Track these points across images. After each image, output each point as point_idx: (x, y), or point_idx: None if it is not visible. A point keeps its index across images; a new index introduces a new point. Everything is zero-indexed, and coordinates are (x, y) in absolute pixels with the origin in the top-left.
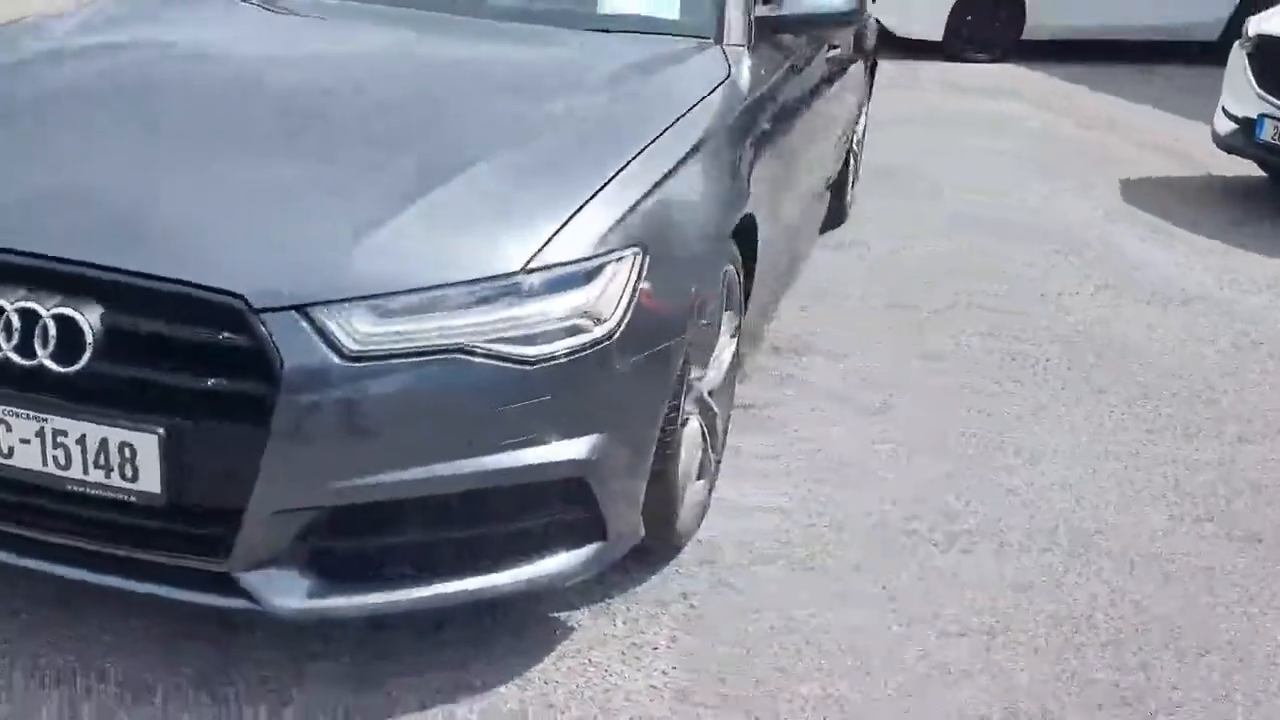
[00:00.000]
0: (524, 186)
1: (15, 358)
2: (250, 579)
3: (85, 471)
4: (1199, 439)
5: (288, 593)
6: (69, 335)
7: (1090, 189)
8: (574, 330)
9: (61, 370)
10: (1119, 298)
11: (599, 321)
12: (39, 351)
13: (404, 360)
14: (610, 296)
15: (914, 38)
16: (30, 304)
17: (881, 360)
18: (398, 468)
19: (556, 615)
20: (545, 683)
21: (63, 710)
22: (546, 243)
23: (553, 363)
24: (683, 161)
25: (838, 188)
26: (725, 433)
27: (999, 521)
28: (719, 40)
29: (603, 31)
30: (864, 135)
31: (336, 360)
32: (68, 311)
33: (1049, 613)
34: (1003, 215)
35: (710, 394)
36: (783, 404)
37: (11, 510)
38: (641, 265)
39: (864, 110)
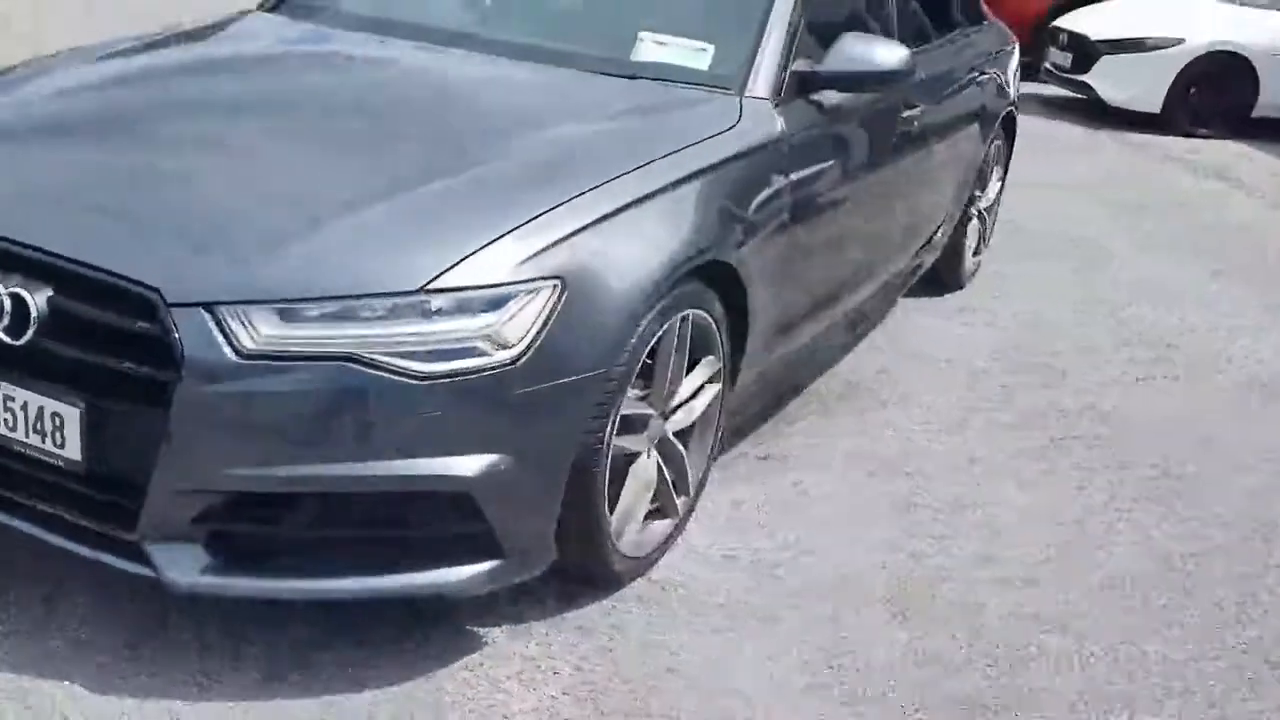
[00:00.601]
0: (458, 210)
1: None
2: (154, 549)
3: (26, 435)
4: None
5: (184, 568)
6: (20, 311)
7: None
8: (473, 352)
9: (11, 342)
10: None
11: (503, 347)
12: None
13: (298, 363)
14: (519, 324)
15: (1129, 109)
16: None
17: (933, 422)
18: (287, 463)
19: (476, 628)
20: (436, 688)
21: None
22: (452, 266)
23: (445, 381)
24: (638, 202)
25: (952, 252)
26: (700, 477)
27: None
28: (739, 92)
29: (629, 78)
30: (997, 199)
31: (233, 357)
32: (20, 291)
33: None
34: (1170, 337)
35: (676, 435)
36: (799, 456)
37: None
38: (558, 298)
39: (988, 170)
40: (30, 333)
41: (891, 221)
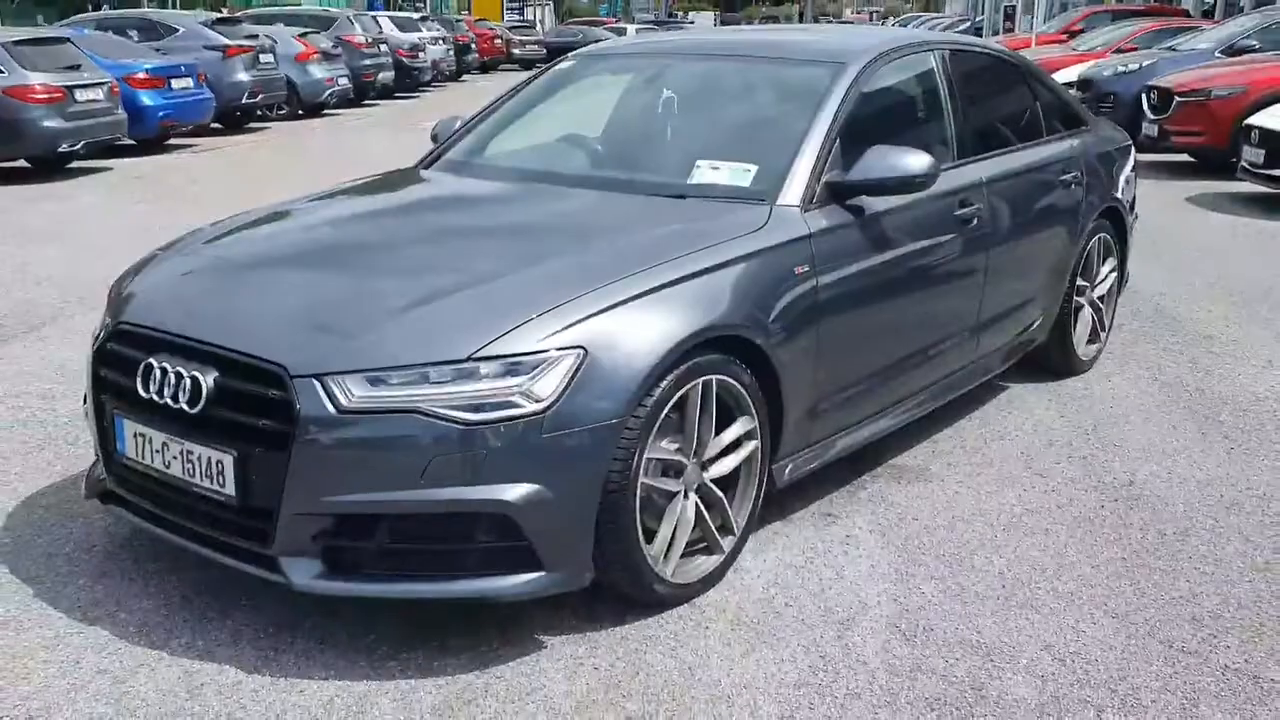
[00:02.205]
0: (507, 299)
1: (170, 403)
2: (284, 562)
3: (201, 479)
4: None
5: (304, 574)
6: (196, 388)
7: None
8: (510, 405)
9: (191, 411)
10: None
11: (534, 400)
12: (180, 398)
13: (379, 416)
14: (548, 382)
15: None
16: (178, 367)
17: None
18: (372, 491)
19: (540, 635)
20: (497, 676)
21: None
22: (494, 340)
23: (488, 427)
24: (658, 289)
25: (1059, 341)
26: (746, 521)
27: None
28: (772, 201)
29: (680, 197)
30: (1114, 290)
31: (334, 412)
32: (197, 374)
33: None
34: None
35: (719, 483)
36: (855, 516)
37: (166, 503)
38: (581, 362)
39: (1093, 262)
40: (202, 404)
41: (948, 312)
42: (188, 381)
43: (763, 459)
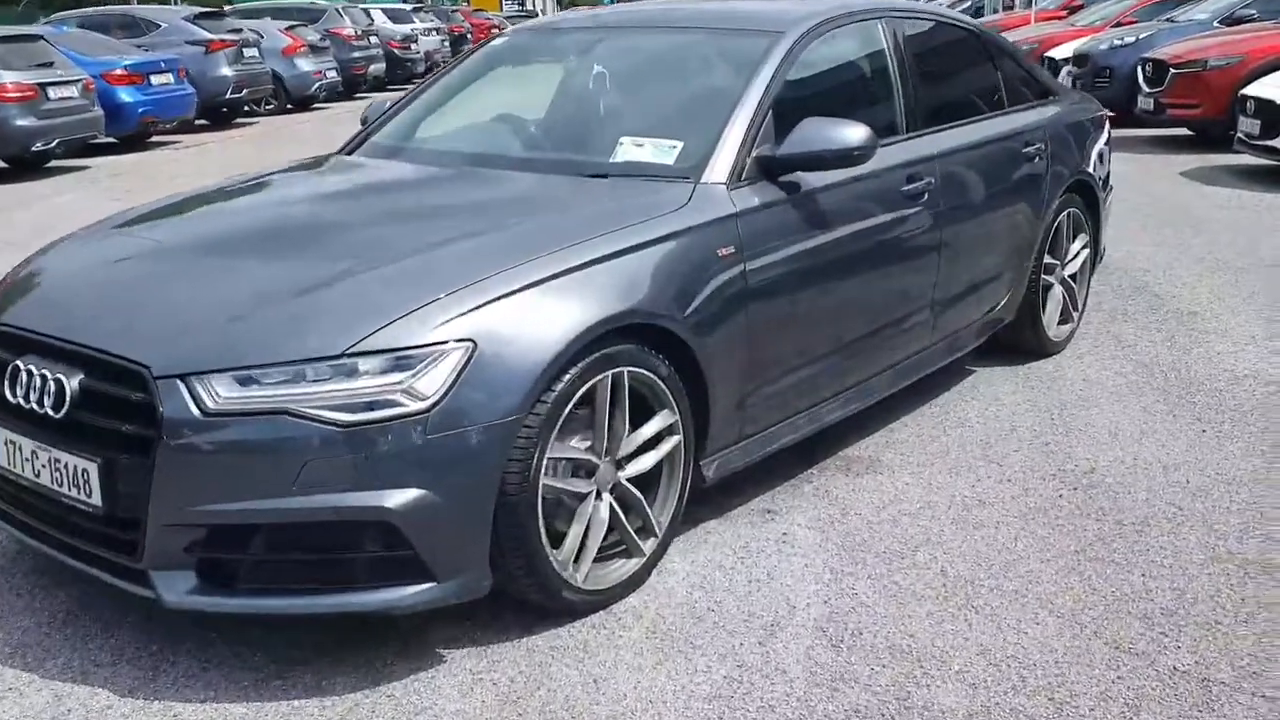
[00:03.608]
0: (390, 288)
1: (35, 408)
2: (155, 576)
3: (68, 488)
4: None
5: (176, 590)
6: (60, 391)
7: None
8: (389, 404)
9: (55, 416)
10: None
11: (418, 398)
12: (45, 403)
13: (246, 418)
14: (432, 379)
15: None
16: (44, 370)
17: (926, 486)
18: (242, 499)
19: (441, 649)
20: (387, 694)
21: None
22: (371, 334)
23: (366, 428)
24: (561, 275)
25: (1028, 321)
26: (670, 520)
27: None
28: (695, 179)
29: (601, 178)
30: (1086, 267)
31: (199, 415)
32: (61, 377)
33: None
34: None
35: (636, 482)
36: (799, 511)
37: (33, 511)
38: (470, 356)
39: (1061, 239)
40: (66, 408)
41: (898, 292)
42: (52, 385)
43: (686, 455)
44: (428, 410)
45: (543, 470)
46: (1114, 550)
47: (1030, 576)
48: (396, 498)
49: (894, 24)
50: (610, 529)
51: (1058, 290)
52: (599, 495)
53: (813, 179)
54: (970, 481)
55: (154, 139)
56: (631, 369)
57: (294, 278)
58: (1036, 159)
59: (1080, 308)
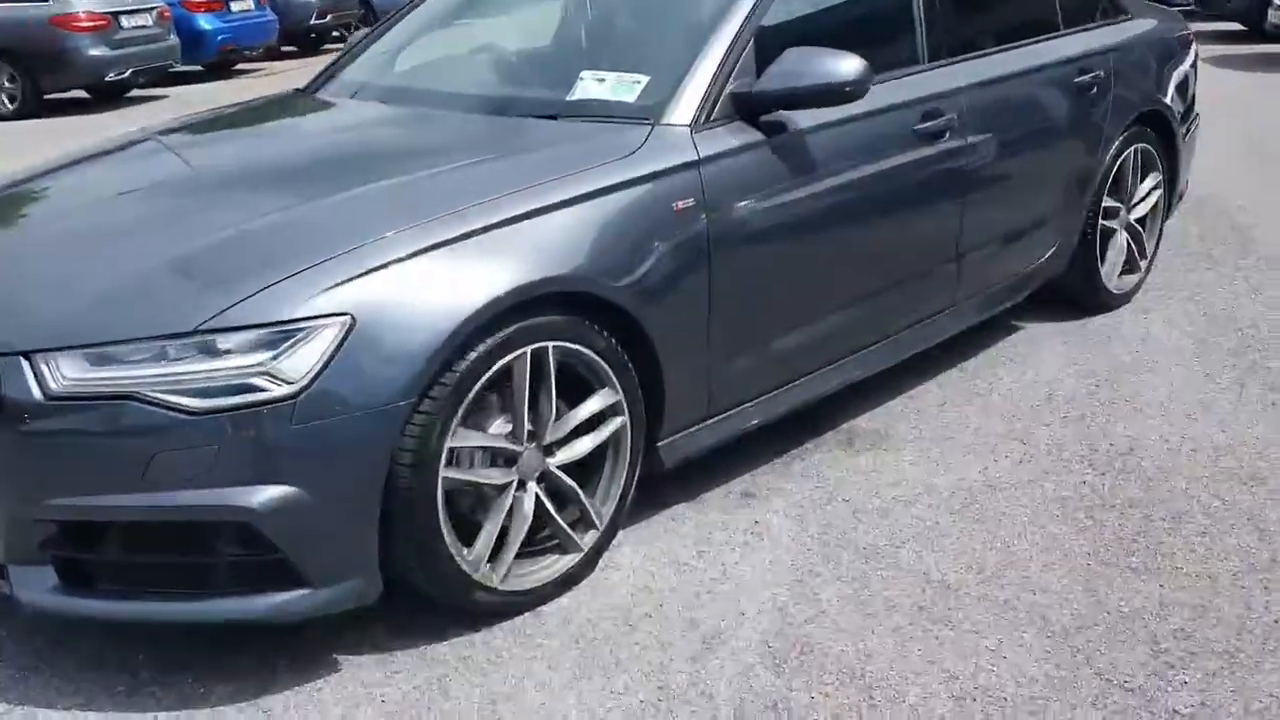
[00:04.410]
0: (257, 252)
1: None
2: (12, 570)
3: None
4: None
5: (35, 588)
6: None
7: None
8: (249, 389)
9: None
10: None
11: (283, 382)
12: None
13: (90, 403)
14: (300, 360)
15: None
16: None
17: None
18: (90, 494)
19: (338, 655)
20: (262, 710)
21: None
22: (231, 306)
23: (221, 415)
24: (469, 235)
25: (1083, 272)
26: (615, 509)
27: None
28: (656, 119)
29: (552, 119)
30: (1158, 210)
31: (42, 397)
32: None
33: None
34: None
35: (572, 470)
36: (781, 496)
37: None
38: (346, 333)
39: (1126, 179)
40: None
41: (908, 246)
42: None
43: (635, 437)
44: (294, 395)
45: (442, 461)
46: (1133, 552)
47: (1026, 584)
48: (257, 495)
49: None
50: (543, 522)
51: (1121, 237)
52: (522, 486)
53: (802, 118)
54: (985, 462)
55: (239, 66)
56: (558, 343)
57: (178, 240)
58: (1094, 89)
59: (1150, 255)
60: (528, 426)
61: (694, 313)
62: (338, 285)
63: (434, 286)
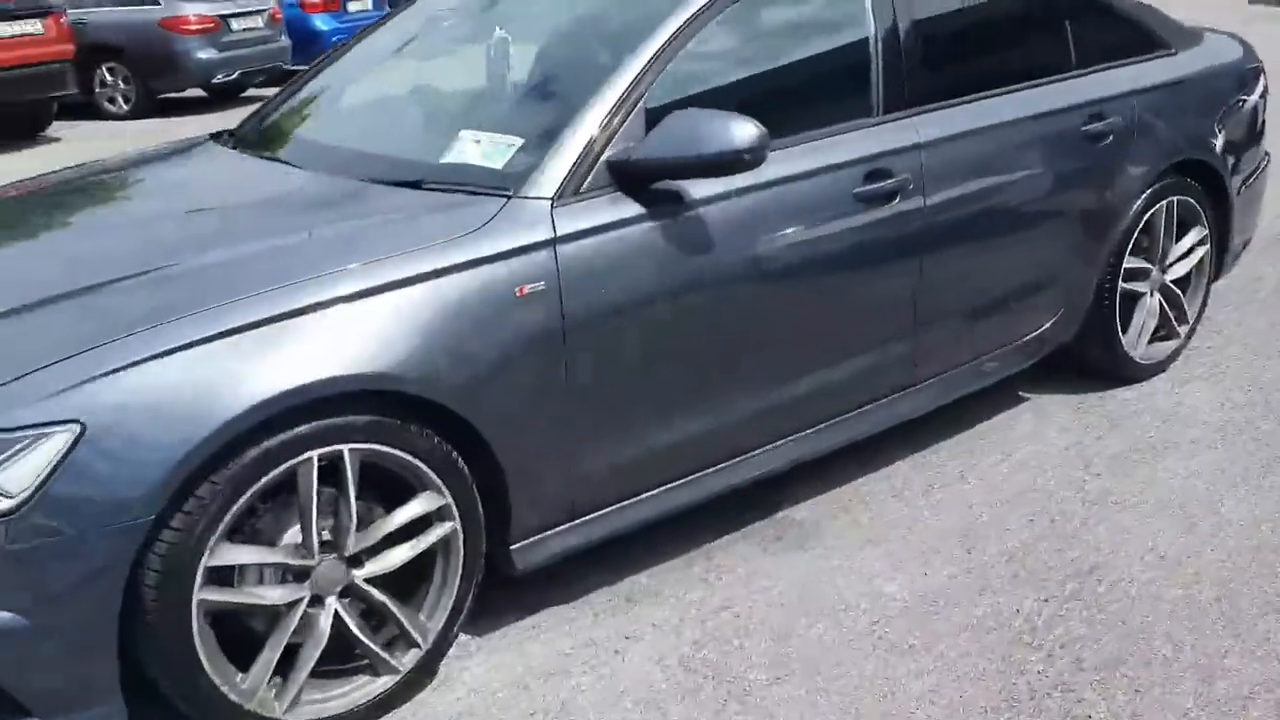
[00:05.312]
0: (9, 343)
1: None
2: None
3: None
4: None
5: None
6: None
7: None
8: None
9: None
10: None
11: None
12: None
13: None
14: (21, 472)
15: None
16: None
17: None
18: None
19: None
20: None
21: None
22: None
23: None
24: (251, 327)
25: (1100, 338)
26: (444, 624)
27: None
28: (515, 191)
29: (414, 185)
30: (1203, 269)
31: None
32: None
33: None
34: None
35: (383, 583)
36: (655, 605)
37: None
38: (75, 441)
39: (1157, 237)
40: None
41: (842, 322)
42: None
43: (470, 545)
44: (11, 511)
45: (197, 582)
46: (1041, 711)
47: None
48: None
49: None
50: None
51: (1152, 300)
52: (317, 602)
53: (700, 188)
54: (916, 573)
55: None
56: (359, 446)
57: None
58: (1108, 137)
59: (1193, 320)
60: (323, 536)
61: (545, 408)
62: (68, 389)
63: (188, 388)
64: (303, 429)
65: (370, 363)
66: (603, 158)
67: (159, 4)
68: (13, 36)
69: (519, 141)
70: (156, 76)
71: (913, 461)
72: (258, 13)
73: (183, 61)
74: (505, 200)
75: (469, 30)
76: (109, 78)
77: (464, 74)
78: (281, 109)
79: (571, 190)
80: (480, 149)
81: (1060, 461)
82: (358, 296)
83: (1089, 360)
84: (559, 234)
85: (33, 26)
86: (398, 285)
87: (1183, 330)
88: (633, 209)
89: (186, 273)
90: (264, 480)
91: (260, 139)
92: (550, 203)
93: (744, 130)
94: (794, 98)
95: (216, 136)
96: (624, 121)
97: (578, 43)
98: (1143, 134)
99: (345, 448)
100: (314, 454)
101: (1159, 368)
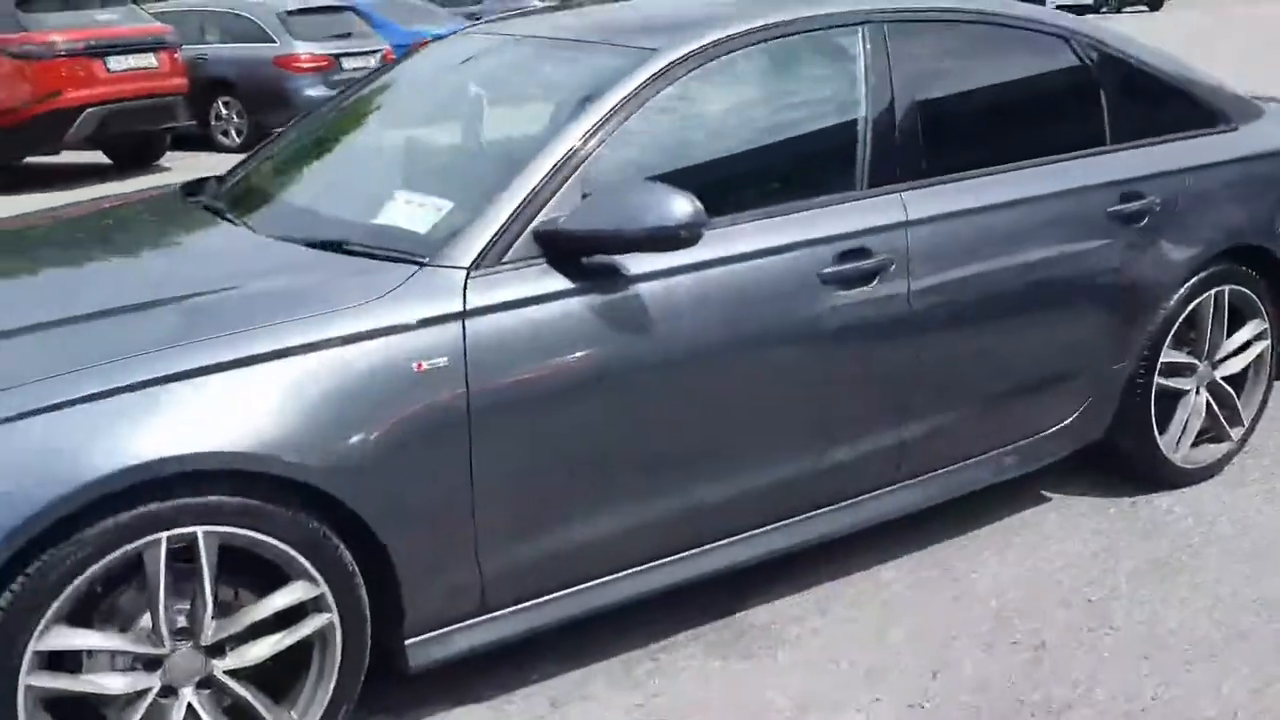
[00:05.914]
0: None
1: None
2: None
3: None
4: None
5: None
6: None
7: None
8: None
9: None
10: None
11: None
12: None
13: None
14: None
15: None
16: None
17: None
18: None
19: None
20: None
21: None
22: None
23: None
24: (84, 400)
25: (1134, 439)
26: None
27: None
28: (429, 259)
29: (337, 248)
30: (1264, 363)
31: None
32: None
33: None
34: None
35: (246, 678)
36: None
37: None
38: None
39: (1205, 329)
40: None
41: (803, 414)
42: None
43: (350, 638)
44: None
45: (24, 667)
46: None
47: None
48: None
49: (886, 33)
50: None
51: (1197, 399)
52: (170, 693)
53: (641, 263)
54: (868, 699)
55: None
56: (216, 529)
57: None
58: (1143, 219)
59: (1249, 422)
60: (179, 623)
61: (444, 495)
62: None
63: (22, 459)
64: (151, 507)
65: (234, 440)
66: (530, 226)
67: (275, 42)
68: (127, 70)
69: (448, 205)
70: (268, 112)
71: (902, 563)
72: (371, 53)
73: (292, 98)
74: (418, 268)
75: (446, 91)
76: (224, 111)
77: (428, 134)
78: (250, 164)
79: (493, 259)
80: (410, 211)
81: (1070, 575)
82: (235, 365)
83: (1124, 461)
84: (469, 307)
85: (146, 60)
86: (282, 355)
87: (1235, 433)
88: (560, 283)
89: (63, 332)
90: (105, 561)
91: (216, 193)
92: (465, 272)
93: (680, 205)
94: (759, 170)
95: (186, 187)
96: (557, 190)
97: (532, 105)
98: (1189, 215)
99: (200, 530)
100: (163, 535)
101: (1205, 473)
